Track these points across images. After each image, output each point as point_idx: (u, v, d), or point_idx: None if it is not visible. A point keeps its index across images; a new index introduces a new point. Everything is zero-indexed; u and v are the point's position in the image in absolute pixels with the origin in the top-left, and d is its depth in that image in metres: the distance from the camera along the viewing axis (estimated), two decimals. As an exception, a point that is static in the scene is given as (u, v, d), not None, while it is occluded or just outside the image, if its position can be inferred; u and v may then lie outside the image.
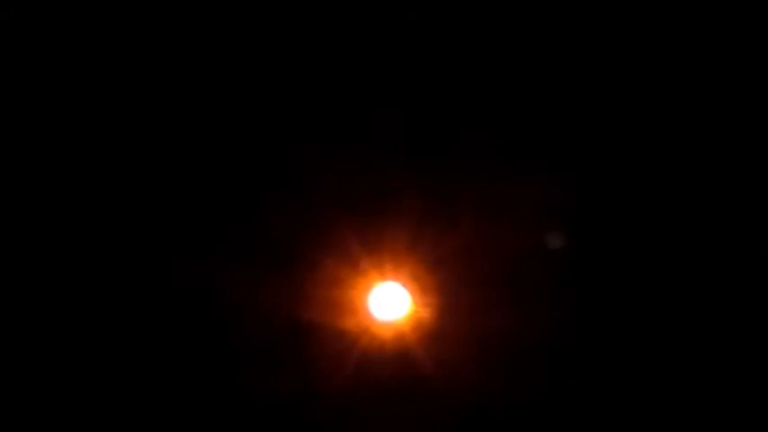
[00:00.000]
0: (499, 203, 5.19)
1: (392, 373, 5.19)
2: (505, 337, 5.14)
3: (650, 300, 5.15)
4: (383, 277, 5.25)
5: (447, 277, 5.21)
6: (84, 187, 5.28)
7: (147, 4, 5.09)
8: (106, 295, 5.30)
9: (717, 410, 5.11)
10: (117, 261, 5.27)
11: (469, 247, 5.18)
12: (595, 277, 5.19)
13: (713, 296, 5.14)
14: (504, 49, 5.14)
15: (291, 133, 5.17)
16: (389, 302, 5.25)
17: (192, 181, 5.22)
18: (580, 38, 5.12)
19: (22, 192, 5.29)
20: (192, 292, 5.27)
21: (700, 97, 5.12)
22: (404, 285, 5.25)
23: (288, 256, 5.23)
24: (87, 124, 5.26)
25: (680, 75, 5.10)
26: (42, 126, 5.29)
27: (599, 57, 5.12)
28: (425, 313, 5.22)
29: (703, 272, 5.14)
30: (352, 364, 5.20)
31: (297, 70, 5.14)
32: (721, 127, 5.15)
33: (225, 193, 5.23)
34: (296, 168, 5.22)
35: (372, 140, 5.21)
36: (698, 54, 5.08)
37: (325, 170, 5.22)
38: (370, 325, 5.25)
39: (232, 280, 5.22)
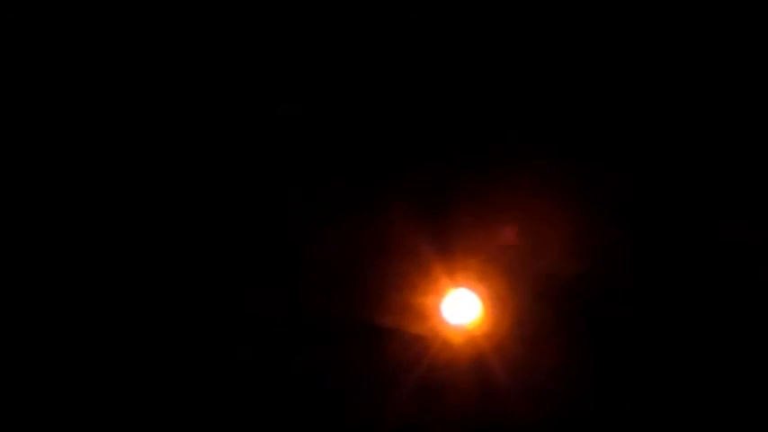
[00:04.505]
0: (573, 209, 4.87)
1: (464, 378, 5.05)
2: (580, 343, 5.02)
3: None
4: (456, 283, 4.96)
5: (520, 283, 4.94)
6: (122, 189, 4.98)
7: (151, 8, 4.70)
8: (174, 306, 5.08)
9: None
10: (193, 274, 5.04)
11: (542, 253, 4.92)
12: (671, 272, 5.00)
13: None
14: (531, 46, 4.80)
15: (363, 142, 4.84)
16: (462, 308, 5.00)
17: (264, 187, 4.98)
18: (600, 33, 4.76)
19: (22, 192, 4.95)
20: (261, 298, 5.02)
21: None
22: (476, 291, 4.98)
23: (361, 261, 4.97)
24: (93, 125, 4.89)
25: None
26: (44, 127, 4.88)
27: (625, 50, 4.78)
28: (498, 319, 5.02)
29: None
30: (424, 369, 5.02)
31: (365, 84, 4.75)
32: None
33: (297, 199, 4.97)
34: (368, 175, 4.88)
35: (444, 147, 4.78)
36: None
37: (399, 177, 4.82)
38: (442, 330, 5.02)
39: (307, 285, 5.01)
